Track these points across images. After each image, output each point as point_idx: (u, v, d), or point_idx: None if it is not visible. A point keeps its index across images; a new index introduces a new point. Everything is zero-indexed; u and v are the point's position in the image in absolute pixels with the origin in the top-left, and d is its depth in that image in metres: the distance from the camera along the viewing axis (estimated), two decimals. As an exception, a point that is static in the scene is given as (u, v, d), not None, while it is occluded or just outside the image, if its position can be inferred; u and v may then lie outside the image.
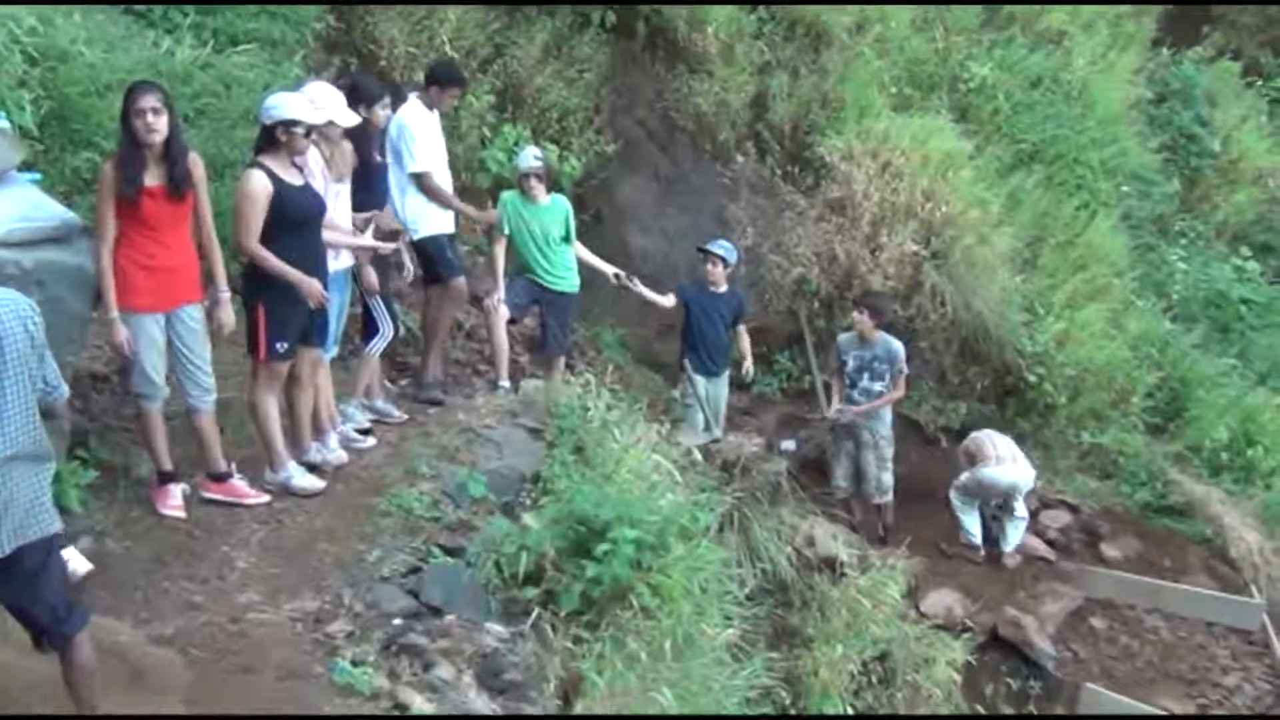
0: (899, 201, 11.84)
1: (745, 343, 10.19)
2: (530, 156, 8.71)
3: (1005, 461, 10.33)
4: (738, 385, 10.48)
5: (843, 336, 10.23)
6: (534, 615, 5.41)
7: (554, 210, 8.83)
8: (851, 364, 9.92)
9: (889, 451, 10.09)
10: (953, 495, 10.45)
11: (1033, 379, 12.09)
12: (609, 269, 9.46)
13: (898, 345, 9.99)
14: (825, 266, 11.71)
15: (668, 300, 9.86)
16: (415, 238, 8.20)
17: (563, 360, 9.11)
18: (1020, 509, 10.51)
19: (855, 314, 10.02)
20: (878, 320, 9.86)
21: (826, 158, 12.13)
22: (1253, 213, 17.01)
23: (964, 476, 10.40)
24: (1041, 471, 11.30)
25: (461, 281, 8.38)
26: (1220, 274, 15.49)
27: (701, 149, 12.43)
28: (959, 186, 12.16)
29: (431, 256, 8.32)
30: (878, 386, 9.91)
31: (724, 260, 9.80)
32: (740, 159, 12.33)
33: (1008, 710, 9.03)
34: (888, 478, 10.08)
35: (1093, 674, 9.60)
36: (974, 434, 10.76)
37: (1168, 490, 12.07)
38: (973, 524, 10.40)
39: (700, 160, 12.44)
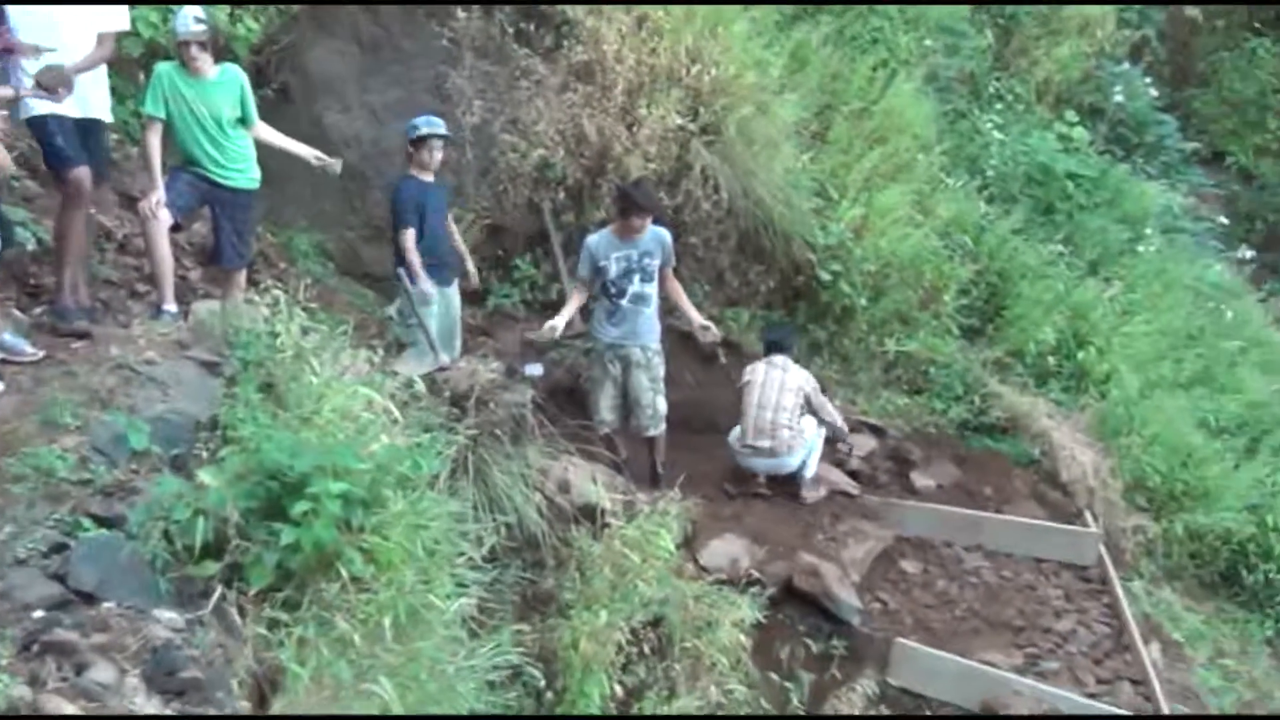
0: (659, 65, 12.02)
1: (457, 239, 10.38)
2: (190, 19, 8.43)
3: (761, 449, 10.72)
4: (465, 298, 10.49)
5: (594, 237, 10.18)
6: (216, 596, 5.36)
7: (224, 85, 8.62)
8: (614, 269, 9.90)
9: (662, 370, 10.23)
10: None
11: (826, 277, 12.53)
12: (306, 151, 9.21)
13: (666, 233, 10.11)
14: (572, 147, 11.85)
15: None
16: (23, 116, 7.95)
17: (244, 275, 8.97)
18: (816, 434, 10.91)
19: (629, 218, 9.90)
20: (640, 214, 9.95)
21: (569, 12, 12.21)
22: (1078, 70, 17.83)
23: (733, 434, 10.78)
24: (839, 388, 11.72)
25: (80, 174, 7.89)
26: (1042, 144, 16.13)
27: (413, 3, 12.28)
28: (731, 45, 12.41)
29: (40, 144, 8.13)
30: (649, 289, 10.01)
31: (447, 142, 9.86)
32: (462, 15, 12.26)
33: (805, 675, 9.37)
34: (662, 403, 10.24)
35: (905, 626, 10.03)
36: (752, 367, 11.03)
37: (987, 405, 12.70)
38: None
39: (411, 18, 12.29)
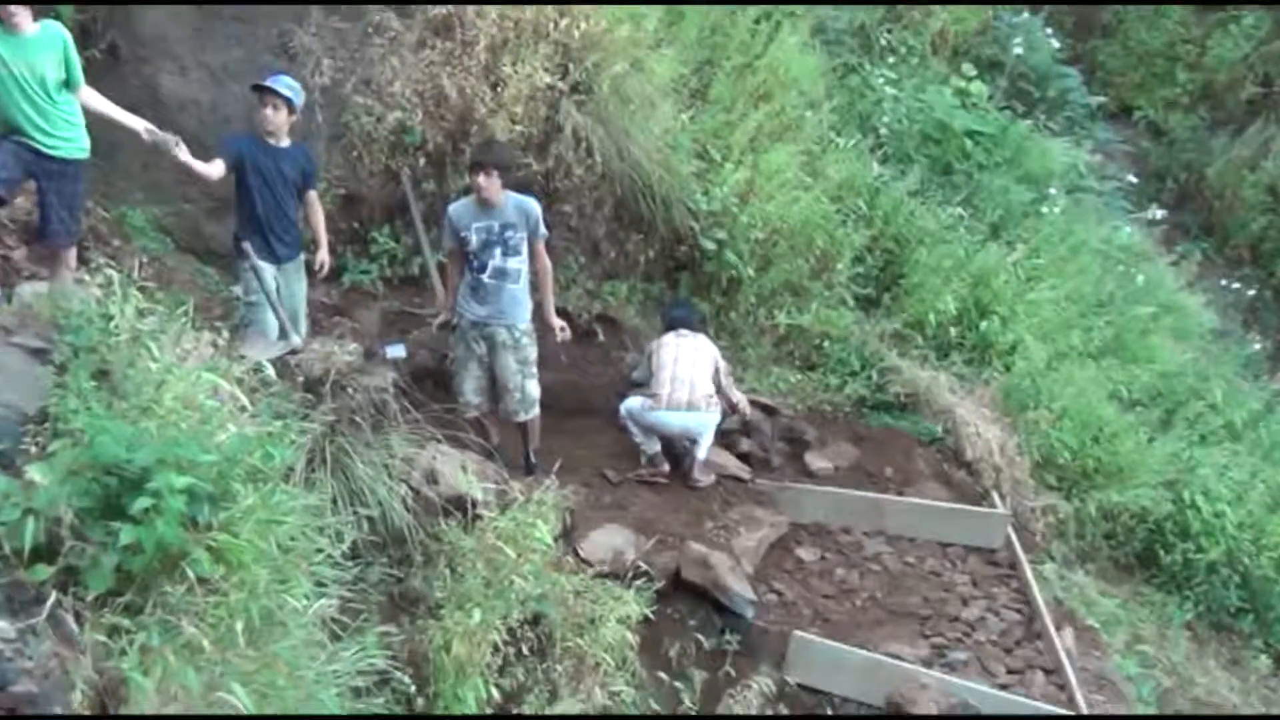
0: (524, 19, 12.02)
1: (318, 216, 10.25)
2: None
3: (679, 403, 10.88)
4: (319, 274, 10.43)
5: (455, 205, 10.14)
6: (50, 603, 5.29)
7: (45, 43, 8.48)
8: (475, 240, 9.85)
9: (533, 352, 10.22)
10: (625, 417, 10.95)
11: (710, 246, 12.62)
12: (137, 123, 9.15)
13: (532, 202, 10.06)
14: (431, 109, 11.81)
15: (215, 168, 9.64)
16: None
17: (73, 253, 8.86)
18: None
19: (476, 176, 9.83)
20: (503, 179, 9.93)
21: (425, -38, 12.15)
22: (976, 21, 18.10)
23: (635, 401, 10.82)
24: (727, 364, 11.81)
25: None
26: (939, 100, 16.35)
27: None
28: (603, -6, 12.41)
29: None
30: (514, 263, 9.97)
31: (288, 103, 9.72)
32: (307, -34, 12.16)
33: (697, 674, 9.45)
34: (534, 387, 10.24)
35: (803, 618, 10.16)
36: (661, 340, 11.19)
37: (886, 380, 12.90)
38: (650, 440, 10.89)
39: (253, -31, 12.19)
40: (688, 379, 10.88)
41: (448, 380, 10.42)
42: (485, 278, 9.94)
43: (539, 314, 10.26)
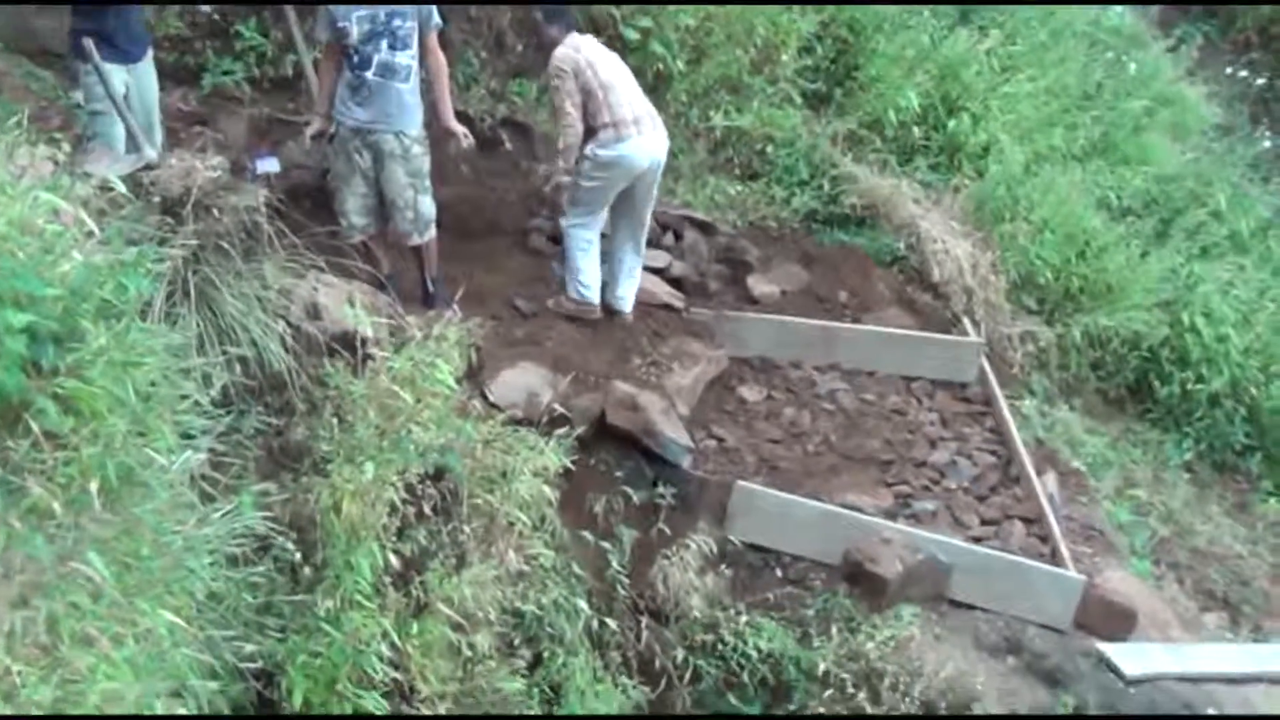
0: None
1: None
2: None
3: (643, 123, 10.47)
4: (174, 76, 10.31)
5: None
6: None
7: None
8: (357, 31, 9.68)
9: (426, 163, 10.15)
10: (567, 211, 10.72)
11: (633, 36, 12.53)
12: None
13: None
14: None
15: None
16: None
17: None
18: (642, 235, 10.95)
19: None
20: None
21: None
22: None
23: (585, 168, 10.58)
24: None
25: None
26: None
27: None
28: None
29: None
30: (403, 59, 9.83)
31: None
32: None
33: (626, 532, 9.58)
34: (428, 204, 10.19)
35: (747, 467, 10.30)
36: (575, 48, 10.41)
37: (839, 190, 12.95)
38: (589, 263, 10.73)
39: None
40: (635, 91, 10.61)
41: (329, 199, 10.35)
42: (369, 75, 9.80)
43: (434, 118, 10.18)
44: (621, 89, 10.35)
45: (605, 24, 12.52)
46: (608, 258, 10.88)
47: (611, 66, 10.43)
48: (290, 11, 11.49)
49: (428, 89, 10.09)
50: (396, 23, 9.72)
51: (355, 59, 9.78)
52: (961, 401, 11.39)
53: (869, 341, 11.60)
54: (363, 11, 9.68)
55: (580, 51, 10.23)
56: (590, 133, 10.29)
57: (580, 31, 10.61)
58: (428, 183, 10.17)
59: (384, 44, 9.75)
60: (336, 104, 9.98)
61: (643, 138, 10.32)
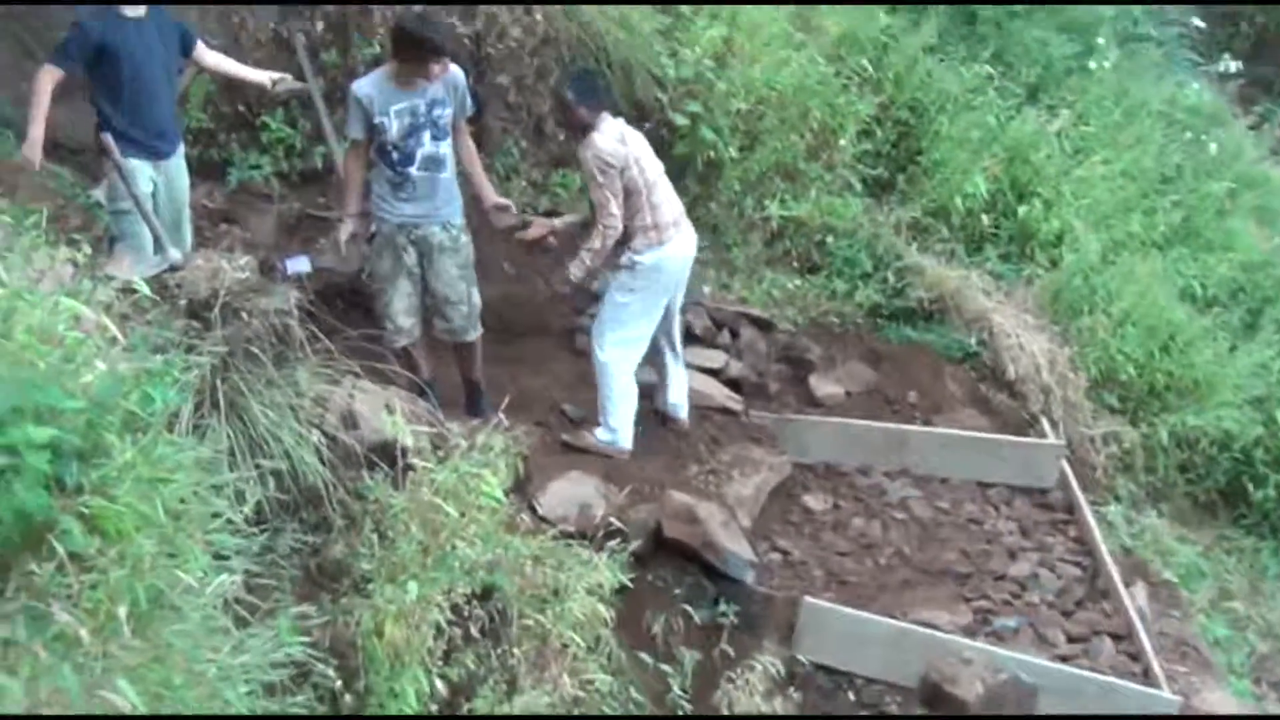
0: None
1: (228, 65, 10.20)
2: None
3: (680, 224, 10.38)
4: (200, 171, 10.32)
5: (364, 84, 9.93)
6: (-116, 589, 5.28)
7: None
8: (397, 127, 9.74)
9: (472, 253, 10.23)
10: (603, 338, 10.35)
11: (682, 122, 12.57)
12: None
13: (458, 71, 9.96)
14: (331, -40, 11.70)
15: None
16: None
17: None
18: (677, 331, 10.80)
19: (430, 63, 9.62)
20: (432, 60, 9.69)
21: None
22: None
23: (623, 278, 10.47)
24: (707, 267, 11.75)
25: None
26: (958, -70, 16.19)
27: None
28: None
29: None
30: (445, 148, 9.90)
31: None
32: None
33: (688, 654, 9.44)
34: (478, 298, 10.24)
35: (815, 582, 10.18)
36: (595, 144, 10.06)
37: (905, 283, 12.93)
38: (625, 401, 10.54)
39: None
40: (670, 187, 10.48)
41: (364, 299, 10.36)
42: (414, 170, 9.86)
43: (477, 200, 10.22)
44: (662, 187, 10.27)
45: (652, 109, 12.55)
46: (648, 361, 10.74)
47: (654, 161, 10.34)
48: (319, 102, 11.54)
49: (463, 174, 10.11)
50: (437, 112, 9.78)
51: (395, 155, 9.82)
52: (1042, 508, 11.27)
53: (941, 445, 11.52)
54: (401, 105, 9.72)
55: (626, 144, 10.08)
56: (626, 235, 10.16)
57: (614, 112, 10.49)
58: (474, 274, 10.18)
59: (426, 136, 9.80)
60: (375, 202, 10.00)
61: (681, 238, 10.28)
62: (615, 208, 9.94)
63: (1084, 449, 12.08)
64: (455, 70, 9.93)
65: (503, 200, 10.31)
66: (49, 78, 9.47)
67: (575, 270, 10.25)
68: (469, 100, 10.03)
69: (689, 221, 10.48)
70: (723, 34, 12.91)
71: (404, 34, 9.77)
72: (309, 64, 11.69)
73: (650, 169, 10.15)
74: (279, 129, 11.79)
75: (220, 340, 7.81)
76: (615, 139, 10.00)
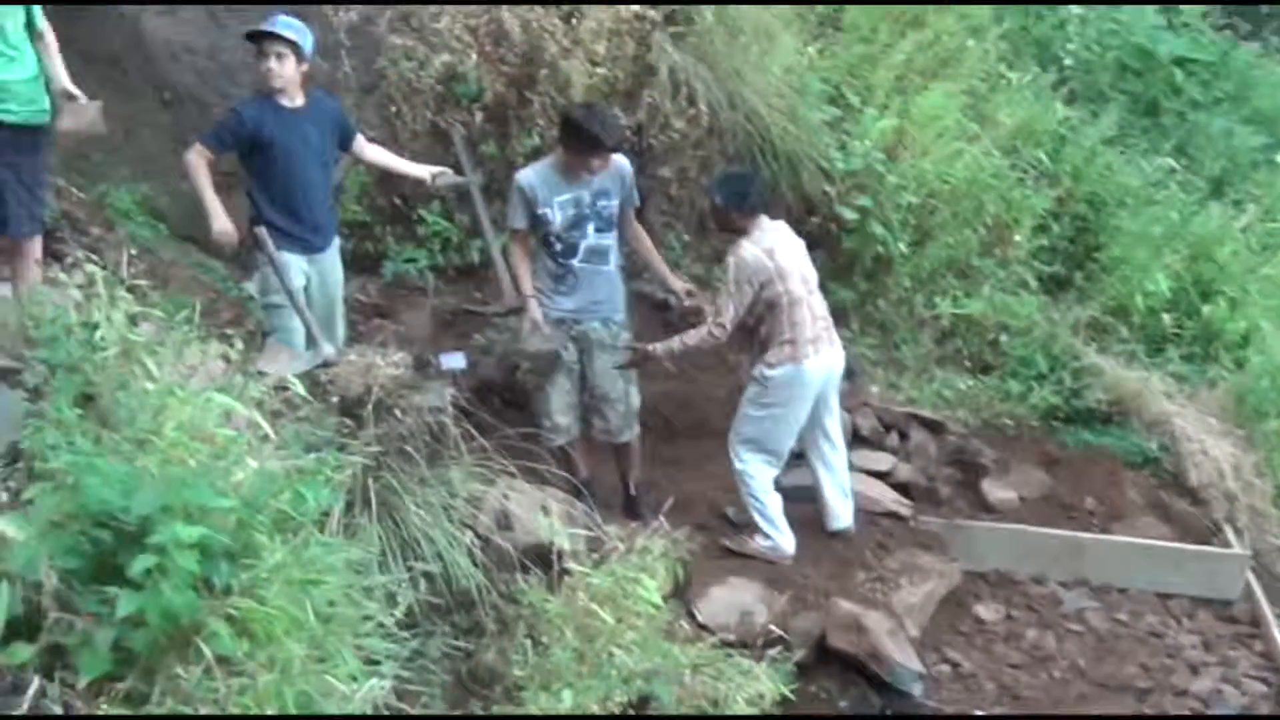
0: (603, -70, 12.03)
1: (387, 159, 10.26)
2: None
3: (821, 341, 10.22)
4: (354, 264, 10.42)
5: (529, 174, 9.98)
6: (33, 690, 5.31)
7: None
8: (561, 218, 9.81)
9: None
10: (738, 447, 10.37)
11: (850, 216, 12.56)
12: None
13: (624, 162, 10.03)
14: (489, 50, 11.89)
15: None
16: None
17: (38, 244, 8.84)
18: (836, 430, 10.72)
19: (591, 157, 9.67)
20: (600, 153, 9.72)
21: None
22: (1183, -85, 17.90)
23: (754, 391, 10.51)
24: (875, 366, 11.71)
25: None
26: (1139, 20, 16.25)
27: None
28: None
29: None
30: (608, 240, 9.96)
31: (295, 50, 9.62)
32: None
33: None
34: (638, 397, 10.27)
35: (986, 696, 10.08)
36: (741, 254, 10.05)
37: (1083, 385, 12.79)
38: (773, 505, 10.55)
39: None
40: (815, 287, 10.33)
41: (521, 397, 10.40)
42: (576, 262, 9.93)
43: (649, 286, 10.27)
44: (807, 302, 10.09)
45: (819, 203, 12.56)
46: (807, 462, 10.70)
47: (801, 274, 10.14)
48: (478, 196, 11.63)
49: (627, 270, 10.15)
50: (602, 204, 9.85)
51: (559, 247, 9.88)
52: (1226, 621, 11.10)
53: (1120, 554, 11.36)
54: (566, 196, 9.79)
55: (774, 258, 9.94)
56: (761, 345, 10.11)
57: (770, 214, 10.45)
58: (634, 373, 10.21)
59: (590, 228, 9.88)
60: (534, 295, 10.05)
61: (819, 357, 10.10)
62: (730, 320, 9.90)
63: (1270, 559, 11.87)
64: (621, 161, 10.00)
65: (685, 285, 10.37)
66: (199, 158, 9.56)
67: (661, 349, 10.21)
68: (634, 191, 10.10)
69: (836, 335, 10.39)
70: (893, 126, 12.91)
71: (570, 125, 9.83)
72: (467, 156, 11.78)
73: (796, 285, 10.00)
74: (435, 222, 11.93)
75: (373, 438, 7.88)
76: (763, 251, 9.92)
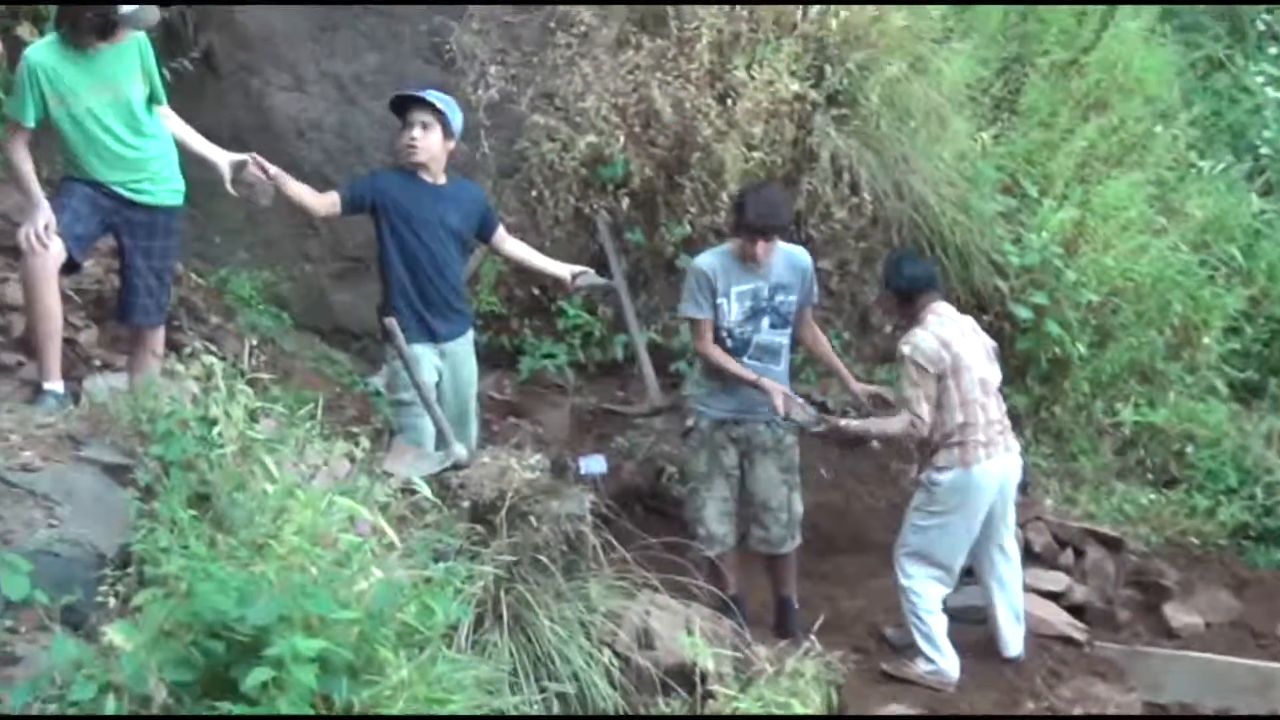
0: (762, 4, 12.06)
1: (527, 254, 10.25)
2: None
3: (995, 445, 10.05)
4: (489, 359, 10.45)
5: (709, 258, 10.04)
6: (138, 811, 5.36)
7: (124, 52, 8.54)
8: (737, 309, 9.84)
9: (797, 456, 10.20)
10: (903, 561, 10.22)
11: (1025, 315, 12.48)
12: (222, 158, 9.05)
13: (805, 255, 10.09)
14: (638, 131, 11.97)
15: (324, 200, 9.64)
16: None
17: (161, 334, 8.95)
18: (1011, 545, 10.60)
19: (754, 242, 9.65)
20: (768, 236, 9.72)
21: (624, -70, 12.28)
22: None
23: (922, 498, 10.41)
24: (1049, 477, 11.62)
25: None
26: (1343, 103, 15.98)
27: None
28: (869, -31, 12.39)
29: None
30: (782, 337, 9.97)
31: (443, 122, 9.72)
32: (467, -63, 12.37)
33: None
34: (800, 505, 10.19)
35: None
36: (916, 342, 9.96)
37: (1275, 500, 12.62)
38: (937, 626, 10.45)
39: (394, -56, 12.41)
40: (994, 390, 10.19)
41: (664, 504, 10.39)
42: (746, 359, 9.91)
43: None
44: (981, 402, 9.96)
45: (991, 300, 12.50)
46: (976, 580, 10.55)
47: (976, 370, 10.00)
48: (623, 288, 11.63)
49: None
50: (780, 298, 9.89)
51: (729, 342, 9.90)
52: None
53: (1316, 686, 11.15)
54: (744, 287, 9.82)
55: (950, 349, 9.87)
56: (930, 448, 10.00)
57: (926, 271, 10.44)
58: (797, 480, 10.17)
59: (765, 323, 9.90)
60: (693, 391, 10.15)
61: (992, 462, 9.92)
62: (924, 409, 9.79)
63: None
64: (803, 255, 10.08)
65: (871, 387, 10.36)
66: (330, 206, 9.66)
67: (857, 426, 10.26)
68: (815, 288, 10.15)
69: (1013, 441, 10.25)
70: (1073, 217, 12.83)
71: (736, 206, 9.98)
72: (611, 245, 11.77)
73: (970, 383, 9.89)
74: (576, 315, 11.97)
75: (506, 547, 7.90)
76: (938, 342, 9.86)
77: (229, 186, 9.05)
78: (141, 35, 8.65)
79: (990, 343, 10.35)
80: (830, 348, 10.42)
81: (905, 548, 10.11)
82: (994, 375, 10.16)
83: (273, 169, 9.22)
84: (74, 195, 8.53)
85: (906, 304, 10.07)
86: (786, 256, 9.93)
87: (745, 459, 10.01)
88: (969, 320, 10.36)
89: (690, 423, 10.15)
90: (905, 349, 9.84)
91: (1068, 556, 11.72)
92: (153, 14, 8.57)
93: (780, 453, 9.99)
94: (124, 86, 8.51)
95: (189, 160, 9.03)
